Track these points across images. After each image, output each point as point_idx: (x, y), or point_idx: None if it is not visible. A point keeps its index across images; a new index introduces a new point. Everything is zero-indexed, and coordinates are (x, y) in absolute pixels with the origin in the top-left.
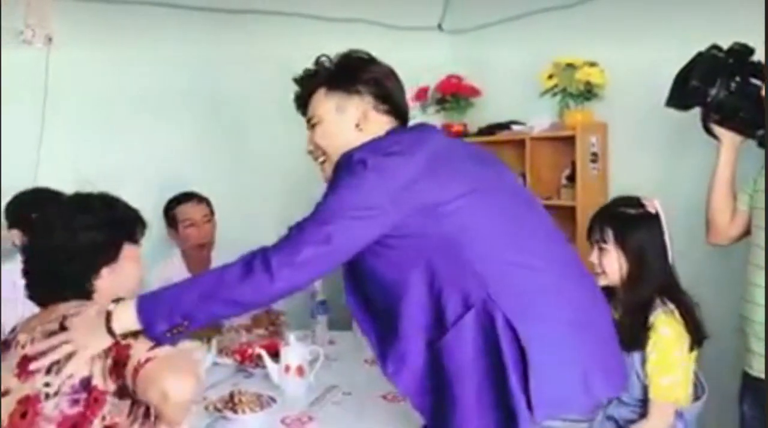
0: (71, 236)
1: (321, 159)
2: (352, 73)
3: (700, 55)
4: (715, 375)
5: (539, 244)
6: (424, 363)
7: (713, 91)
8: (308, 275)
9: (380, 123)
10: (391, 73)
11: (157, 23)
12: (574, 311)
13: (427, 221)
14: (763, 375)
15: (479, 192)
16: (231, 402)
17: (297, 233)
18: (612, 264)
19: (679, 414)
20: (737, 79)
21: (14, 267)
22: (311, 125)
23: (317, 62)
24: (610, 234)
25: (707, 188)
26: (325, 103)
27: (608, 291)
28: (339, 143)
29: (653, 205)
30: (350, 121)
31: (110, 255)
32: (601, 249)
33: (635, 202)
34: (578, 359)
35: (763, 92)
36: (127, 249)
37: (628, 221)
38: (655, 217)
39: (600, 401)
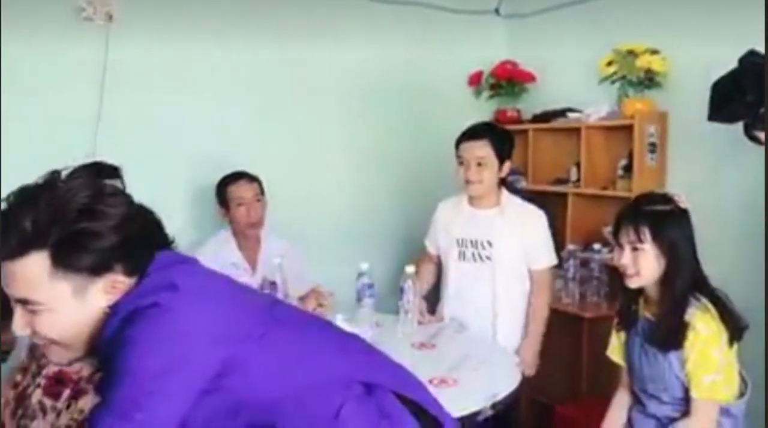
0: None
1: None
2: None
3: (741, 63)
4: (759, 372)
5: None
6: None
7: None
8: None
9: None
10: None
11: (218, 1)
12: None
13: None
14: None
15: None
16: None
17: None
18: (650, 264)
19: (725, 411)
20: None
21: None
22: None
23: None
24: (647, 233)
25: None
26: None
27: (637, 292)
28: None
29: (682, 200)
30: None
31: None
32: (635, 249)
33: (663, 198)
34: None
35: None
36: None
37: (663, 218)
38: (685, 212)
39: None
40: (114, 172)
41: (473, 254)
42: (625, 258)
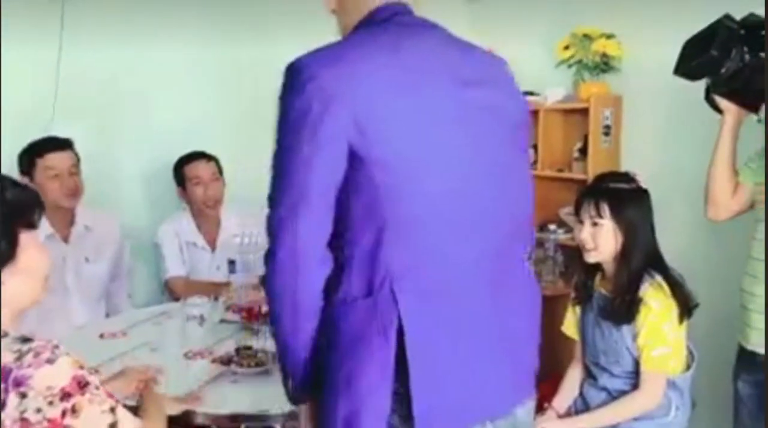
0: None
1: None
2: None
3: (713, 24)
4: (709, 349)
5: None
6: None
7: (728, 63)
8: None
9: None
10: None
11: None
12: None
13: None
14: (759, 350)
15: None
16: (237, 357)
17: None
18: (608, 240)
19: (671, 384)
20: (750, 51)
21: None
22: None
23: None
24: (606, 209)
25: (709, 163)
26: None
27: (594, 268)
28: None
29: (641, 180)
30: None
31: (4, 252)
32: (595, 224)
33: (625, 177)
34: (467, 372)
35: None
36: (25, 237)
37: (623, 195)
38: (645, 191)
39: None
40: (66, 143)
41: None
42: (584, 233)
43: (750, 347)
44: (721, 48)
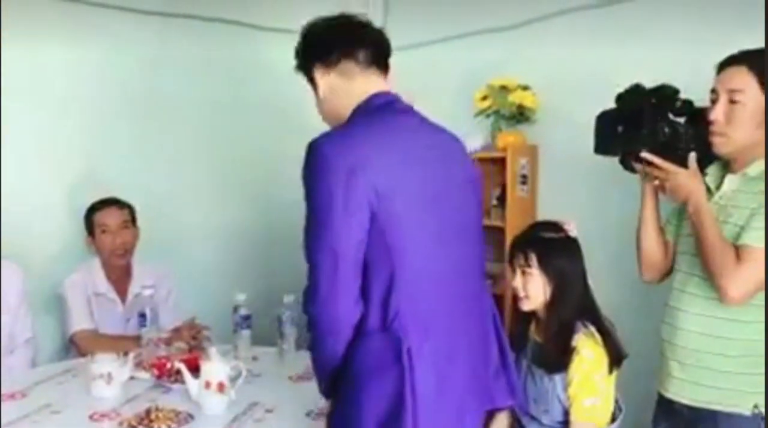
0: None
1: None
2: None
3: (627, 100)
4: (630, 399)
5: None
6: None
7: (661, 136)
8: None
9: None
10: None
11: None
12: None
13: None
14: (677, 398)
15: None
16: (147, 419)
17: None
18: (536, 289)
19: None
20: (668, 119)
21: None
22: None
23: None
24: (534, 259)
25: (636, 230)
26: None
27: (529, 316)
28: None
29: (572, 228)
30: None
31: None
32: (524, 273)
33: (555, 226)
34: (456, 391)
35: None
36: None
37: (551, 245)
38: (575, 241)
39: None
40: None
41: None
42: (516, 281)
43: (669, 395)
44: (651, 124)
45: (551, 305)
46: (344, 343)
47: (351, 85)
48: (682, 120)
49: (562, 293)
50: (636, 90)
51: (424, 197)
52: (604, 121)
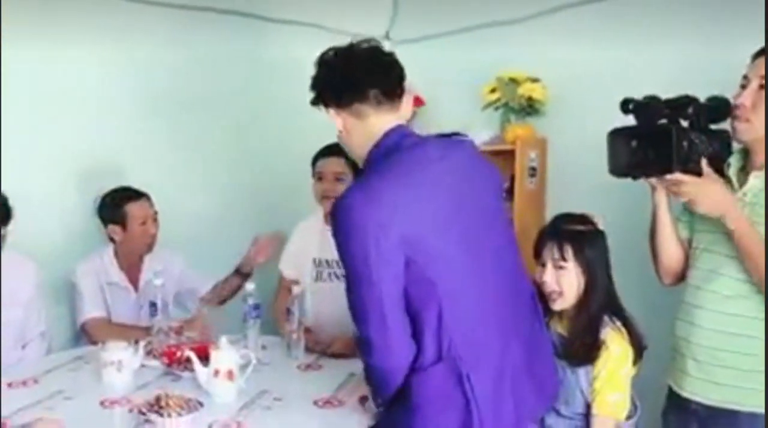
0: None
1: None
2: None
3: (635, 110)
4: (639, 393)
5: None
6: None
7: (693, 154)
8: None
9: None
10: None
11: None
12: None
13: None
14: (693, 397)
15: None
16: (157, 405)
17: None
18: (571, 283)
19: None
20: (701, 129)
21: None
22: None
23: None
24: (569, 252)
25: (649, 238)
26: None
27: (548, 308)
28: None
29: (600, 221)
30: None
31: None
32: (558, 267)
33: (582, 218)
34: (512, 408)
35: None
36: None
37: (585, 237)
38: (603, 234)
39: None
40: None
41: (329, 274)
42: (547, 276)
43: (684, 394)
44: (680, 147)
45: (581, 299)
46: (403, 377)
47: (365, 124)
48: (686, 123)
49: (593, 287)
50: (652, 104)
51: (455, 221)
52: (619, 140)
